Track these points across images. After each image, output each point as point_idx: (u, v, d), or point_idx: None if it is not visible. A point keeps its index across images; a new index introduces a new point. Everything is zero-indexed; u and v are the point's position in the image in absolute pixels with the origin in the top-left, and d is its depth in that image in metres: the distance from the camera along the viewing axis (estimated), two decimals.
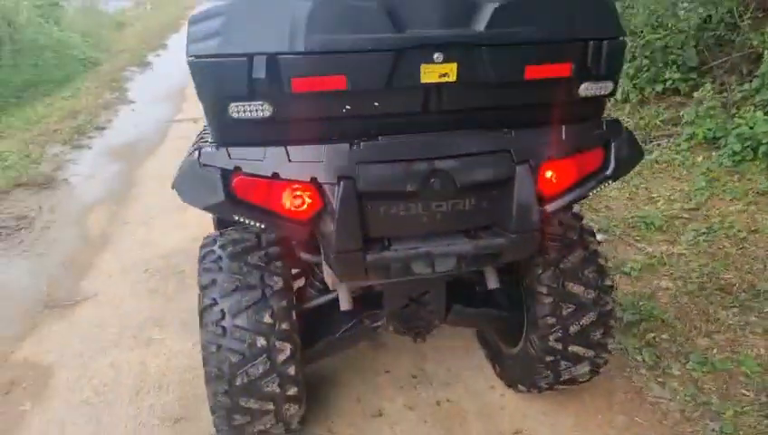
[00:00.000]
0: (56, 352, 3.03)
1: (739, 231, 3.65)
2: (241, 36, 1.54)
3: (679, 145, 4.66)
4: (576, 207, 2.44)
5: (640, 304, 3.10)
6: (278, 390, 2.01)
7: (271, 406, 2.04)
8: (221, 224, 2.64)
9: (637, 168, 4.40)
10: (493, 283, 2.27)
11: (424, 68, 1.60)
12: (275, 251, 2.10)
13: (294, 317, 2.05)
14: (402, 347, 2.92)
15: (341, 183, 1.66)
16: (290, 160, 1.66)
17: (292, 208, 1.72)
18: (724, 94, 4.84)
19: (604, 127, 1.90)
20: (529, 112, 1.79)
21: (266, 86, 1.54)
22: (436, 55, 1.58)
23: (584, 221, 2.39)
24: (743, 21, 4.96)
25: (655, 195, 4.22)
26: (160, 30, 15.08)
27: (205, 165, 1.68)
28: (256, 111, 1.59)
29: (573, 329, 2.20)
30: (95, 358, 2.96)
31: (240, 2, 1.56)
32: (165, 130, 7.09)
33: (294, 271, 2.48)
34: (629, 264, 3.46)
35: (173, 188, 1.74)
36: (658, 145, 4.80)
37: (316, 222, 1.75)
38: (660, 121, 5.00)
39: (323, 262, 1.98)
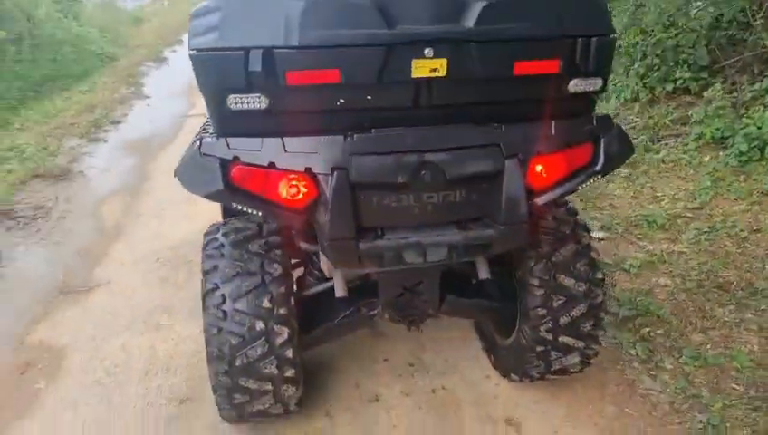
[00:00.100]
0: (70, 336, 3.15)
1: (741, 230, 3.67)
2: (238, 31, 1.62)
3: (687, 145, 4.66)
4: (571, 203, 2.51)
5: (637, 299, 3.14)
6: (276, 371, 2.10)
7: (269, 387, 2.13)
8: (227, 214, 2.73)
9: (643, 166, 4.53)
10: (484, 273, 2.33)
11: (415, 63, 1.66)
12: (275, 240, 2.19)
13: (292, 303, 2.14)
14: (400, 336, 2.99)
15: (335, 174, 1.73)
16: (286, 151, 1.74)
17: (288, 197, 1.79)
18: (735, 94, 4.83)
19: (594, 122, 1.95)
20: (519, 107, 1.85)
21: (263, 79, 1.62)
22: (426, 51, 1.65)
23: (579, 217, 2.44)
24: (755, 20, 4.94)
25: (659, 194, 4.25)
26: (177, 26, 15.26)
27: (205, 154, 1.76)
28: (253, 102, 1.67)
29: (564, 320, 2.26)
30: (107, 341, 3.08)
31: None
32: (179, 125, 7.23)
33: (295, 261, 2.58)
34: (629, 261, 3.50)
35: (175, 175, 1.82)
36: (666, 144, 4.82)
37: (311, 211, 1.83)
38: (669, 121, 5.00)
39: (320, 250, 2.05)
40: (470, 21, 1.65)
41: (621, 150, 2.00)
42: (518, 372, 2.53)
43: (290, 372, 2.13)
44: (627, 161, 4.50)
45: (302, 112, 1.74)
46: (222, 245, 2.18)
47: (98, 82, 10.14)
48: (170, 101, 8.45)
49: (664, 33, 5.22)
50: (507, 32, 1.68)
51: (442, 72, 1.68)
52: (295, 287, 2.44)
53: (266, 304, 2.06)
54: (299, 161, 1.75)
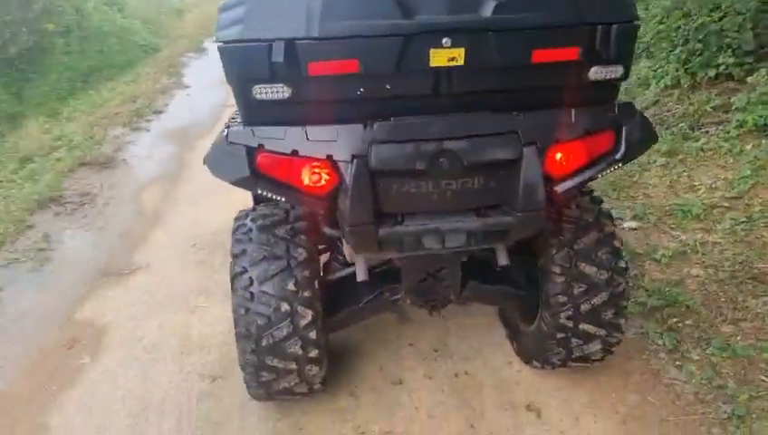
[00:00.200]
0: (111, 315, 3.33)
1: None
2: (262, 23, 1.68)
3: (728, 132, 4.51)
4: (599, 192, 2.49)
5: (666, 290, 3.10)
6: (300, 351, 2.19)
7: (294, 366, 2.22)
8: (257, 201, 2.82)
9: (681, 155, 4.43)
10: (503, 259, 2.35)
11: (433, 52, 1.69)
12: (301, 225, 2.27)
13: (317, 286, 2.21)
14: (427, 322, 3.05)
15: (355, 161, 1.79)
16: (308, 139, 1.80)
17: (311, 184, 1.86)
18: None
19: (616, 110, 1.94)
20: (538, 95, 1.86)
21: (285, 69, 1.68)
22: (444, 40, 1.67)
23: (603, 205, 2.43)
24: None
25: (696, 183, 4.14)
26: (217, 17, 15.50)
27: (232, 142, 1.85)
28: (277, 92, 1.74)
29: (584, 308, 2.27)
30: (145, 321, 3.24)
31: None
32: (217, 115, 7.41)
33: (322, 246, 2.66)
34: (660, 251, 3.44)
35: (204, 163, 1.91)
36: (706, 132, 4.67)
37: (333, 197, 1.89)
38: (711, 108, 4.84)
39: (341, 236, 2.12)
40: (487, 10, 1.67)
41: (643, 138, 1.99)
42: (539, 359, 2.55)
43: (313, 353, 2.22)
44: (664, 150, 4.48)
45: (324, 102, 1.79)
46: (250, 230, 2.27)
47: (141, 72, 10.47)
48: (209, 91, 8.64)
49: (708, 17, 5.04)
50: (525, 20, 1.69)
51: (460, 61, 1.71)
52: (322, 272, 2.53)
53: (291, 286, 2.14)
54: (320, 149, 1.81)
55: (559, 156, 1.91)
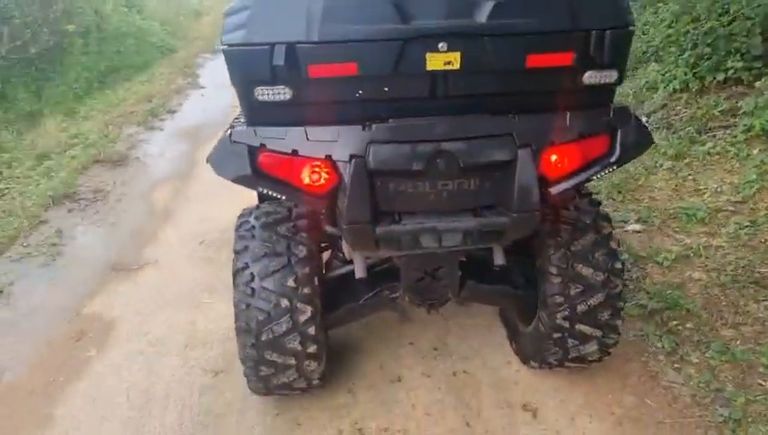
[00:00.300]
0: (119, 309, 3.40)
1: None
2: (264, 27, 1.73)
3: (735, 137, 4.50)
4: (602, 194, 2.51)
5: (668, 292, 3.11)
6: (299, 347, 2.23)
7: (293, 361, 2.27)
8: (262, 199, 2.88)
9: (687, 159, 4.42)
10: (499, 259, 2.38)
11: (429, 56, 1.73)
12: (302, 223, 2.31)
13: (316, 283, 2.26)
14: (428, 322, 3.08)
15: (353, 161, 1.83)
16: (308, 139, 1.85)
17: (311, 183, 1.90)
18: None
19: (611, 114, 1.96)
20: (533, 99, 1.89)
21: (286, 72, 1.73)
22: (440, 45, 1.72)
23: (601, 207, 2.45)
24: None
25: (702, 186, 4.14)
26: None
27: (235, 142, 1.90)
28: (278, 94, 1.79)
29: (581, 308, 2.29)
30: (152, 316, 3.31)
31: None
32: (230, 115, 7.43)
33: (325, 244, 2.70)
34: (663, 254, 3.45)
35: (207, 161, 1.97)
36: (714, 136, 4.66)
37: (332, 196, 1.93)
38: (719, 112, 4.83)
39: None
40: (483, 15, 1.71)
41: (638, 142, 2.01)
42: (537, 359, 2.58)
43: (312, 349, 2.26)
44: (670, 153, 4.48)
45: (324, 103, 1.84)
46: (253, 227, 2.33)
47: (156, 73, 10.61)
48: (223, 91, 8.72)
49: (717, 22, 5.03)
50: (519, 26, 1.73)
51: (456, 65, 1.75)
52: (323, 269, 2.58)
53: (291, 283, 2.19)
54: (320, 149, 1.85)
55: (554, 158, 1.94)
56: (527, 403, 2.56)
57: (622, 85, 5.86)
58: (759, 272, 3.17)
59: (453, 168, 1.87)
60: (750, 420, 2.35)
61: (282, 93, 1.79)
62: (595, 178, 2.03)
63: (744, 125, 4.47)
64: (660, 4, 6.40)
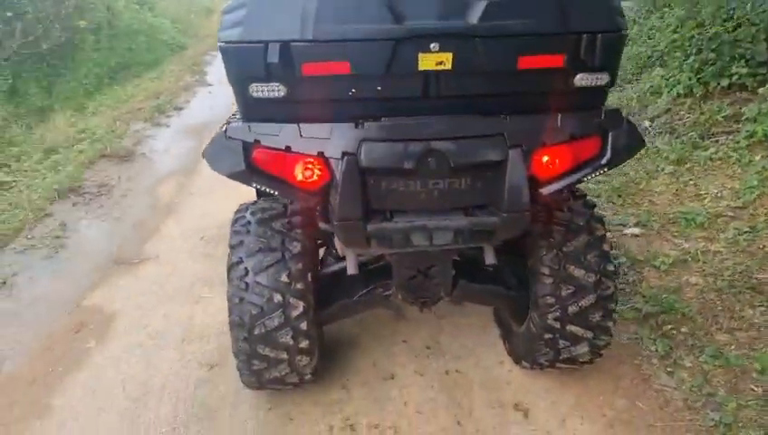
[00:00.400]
0: (120, 302, 3.45)
1: None
2: (260, 25, 1.76)
3: (738, 142, 4.49)
4: (603, 197, 2.52)
5: (663, 296, 3.11)
6: (291, 342, 2.26)
7: (285, 355, 2.29)
8: (260, 196, 2.91)
9: (689, 164, 4.41)
10: (490, 259, 2.39)
11: (421, 57, 1.75)
12: (297, 220, 2.34)
13: (310, 279, 2.28)
14: (422, 320, 3.10)
15: (345, 158, 1.85)
16: (301, 136, 1.87)
17: (304, 180, 1.93)
18: None
19: (602, 116, 1.98)
20: (524, 100, 1.90)
21: (280, 69, 1.76)
22: (432, 45, 1.73)
23: (596, 209, 2.46)
24: None
25: (703, 191, 4.13)
26: None
27: (230, 137, 1.93)
28: (272, 91, 1.81)
29: (572, 309, 2.31)
30: (151, 309, 3.35)
31: None
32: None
33: (321, 241, 2.73)
34: (661, 258, 3.45)
35: (203, 156, 2.00)
36: (716, 141, 4.65)
37: (325, 193, 1.96)
38: (722, 117, 4.82)
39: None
40: (474, 17, 1.73)
41: (630, 144, 2.02)
42: (528, 360, 2.59)
43: (304, 344, 2.29)
44: (672, 158, 4.48)
45: (317, 101, 1.86)
46: (249, 222, 2.36)
47: (166, 70, 10.70)
48: (230, 88, 8.78)
49: (721, 27, 5.02)
50: (511, 27, 1.74)
51: (448, 66, 1.77)
52: (319, 266, 2.60)
53: (284, 278, 2.22)
54: (313, 146, 1.88)
55: (545, 159, 1.95)
56: (519, 403, 2.57)
57: (626, 89, 5.87)
58: (756, 278, 3.17)
59: (443, 167, 1.89)
60: (741, 425, 2.35)
61: (276, 90, 1.81)
62: (586, 179, 2.05)
63: (747, 131, 4.46)
64: (666, 9, 6.39)
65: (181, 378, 2.77)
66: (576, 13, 1.78)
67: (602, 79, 1.88)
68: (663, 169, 4.51)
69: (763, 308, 2.98)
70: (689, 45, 5.32)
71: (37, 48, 9.39)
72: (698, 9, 5.44)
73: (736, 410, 2.42)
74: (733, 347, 2.78)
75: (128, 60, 11.73)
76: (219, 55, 1.85)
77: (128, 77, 10.65)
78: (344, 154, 1.85)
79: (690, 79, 5.19)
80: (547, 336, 2.39)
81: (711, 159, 4.43)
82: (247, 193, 2.85)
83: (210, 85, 9.26)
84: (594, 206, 2.48)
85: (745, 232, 3.55)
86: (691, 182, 4.28)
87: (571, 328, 2.35)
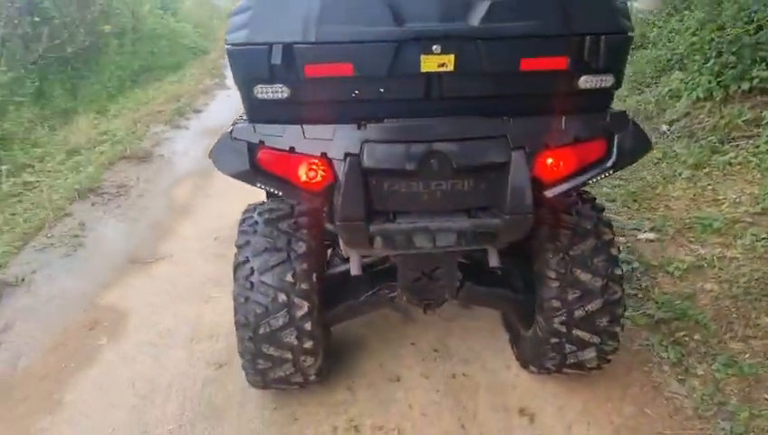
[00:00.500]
0: (133, 300, 3.50)
1: None
2: (265, 27, 1.78)
3: (758, 147, 4.40)
4: (618, 202, 2.48)
5: (677, 302, 3.06)
6: (295, 342, 2.27)
7: (289, 355, 2.30)
8: (269, 197, 2.94)
9: (707, 168, 4.34)
10: (494, 261, 2.37)
11: (424, 58, 1.76)
12: (304, 220, 2.36)
13: (315, 279, 2.29)
14: (430, 323, 3.10)
15: (348, 159, 1.86)
16: (305, 137, 1.89)
17: (307, 180, 1.94)
18: None
19: (608, 118, 1.96)
20: (528, 102, 1.89)
21: (284, 71, 1.78)
22: (434, 47, 1.74)
23: (604, 213, 2.43)
24: None
25: (721, 197, 4.06)
26: None
27: (235, 138, 1.96)
28: (276, 92, 1.83)
29: (578, 314, 2.28)
30: (163, 308, 3.40)
31: None
32: None
33: (327, 242, 2.74)
34: (675, 263, 3.39)
35: (209, 156, 2.03)
36: (736, 146, 4.57)
37: (328, 194, 1.97)
38: (742, 122, 4.73)
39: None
40: (477, 18, 1.73)
41: (636, 147, 2.00)
42: (535, 364, 2.57)
43: (308, 344, 2.30)
44: (690, 162, 4.40)
45: (320, 102, 1.88)
46: (256, 222, 2.38)
47: (187, 73, 10.86)
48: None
49: (742, 30, 4.93)
50: (513, 29, 1.74)
51: (450, 67, 1.77)
52: (325, 266, 2.61)
53: (289, 278, 2.23)
54: (316, 147, 1.89)
55: (549, 161, 1.94)
56: (524, 408, 2.55)
57: (645, 92, 5.79)
58: None
59: (446, 168, 1.88)
60: (753, 434, 2.30)
61: (280, 92, 1.83)
62: (591, 182, 2.03)
63: None
64: (686, 12, 6.30)
65: (189, 376, 2.80)
66: (579, 14, 1.77)
67: (607, 81, 1.86)
68: (681, 174, 4.44)
69: None
70: (709, 48, 5.24)
71: (62, 52, 9.61)
72: (719, 11, 5.36)
73: (749, 419, 2.37)
74: (747, 355, 2.72)
75: (150, 63, 11.94)
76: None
77: (150, 80, 10.83)
78: (347, 155, 1.86)
79: (710, 82, 5.11)
80: (553, 340, 2.36)
81: (730, 164, 4.35)
82: (261, 195, 2.91)
83: (229, 89, 9.36)
84: (603, 209, 2.45)
85: (763, 238, 3.48)
86: (709, 187, 4.20)
87: (578, 332, 2.32)
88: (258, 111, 1.92)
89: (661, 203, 4.17)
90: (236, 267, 2.31)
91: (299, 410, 2.58)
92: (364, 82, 1.82)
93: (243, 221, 2.43)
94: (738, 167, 4.30)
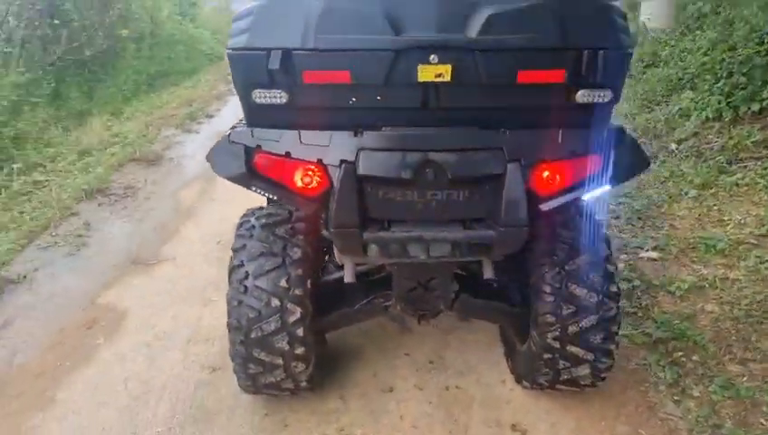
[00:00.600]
0: (133, 301, 3.52)
1: None
2: (265, 33, 1.80)
3: (766, 168, 4.36)
4: (621, 219, 2.47)
5: (676, 323, 3.02)
6: (287, 347, 2.27)
7: (280, 361, 2.30)
8: (270, 202, 2.95)
9: (714, 188, 4.30)
10: (488, 273, 2.37)
11: (421, 68, 1.76)
12: (300, 226, 2.36)
13: (309, 285, 2.29)
14: (426, 334, 3.08)
15: (343, 166, 1.87)
16: (301, 143, 1.90)
17: (303, 186, 1.95)
18: None
19: (605, 134, 1.95)
20: (525, 114, 1.89)
21: (282, 76, 1.79)
22: (432, 57, 1.74)
23: (603, 229, 2.42)
24: None
25: (726, 217, 4.02)
26: None
27: (233, 142, 1.97)
28: (274, 97, 1.85)
29: (572, 329, 2.26)
30: (162, 310, 3.41)
31: (265, 4, 1.82)
32: None
33: (325, 249, 2.74)
34: (677, 283, 3.36)
35: (207, 159, 2.05)
36: (744, 167, 4.53)
37: (324, 200, 1.98)
38: (751, 143, 4.69)
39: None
40: (474, 30, 1.73)
41: (633, 164, 2.00)
42: (529, 379, 2.54)
43: (300, 350, 2.29)
44: (697, 182, 4.37)
45: (318, 108, 1.89)
46: (253, 227, 2.39)
47: (202, 78, 11.00)
48: None
49: (753, 51, 4.90)
50: (510, 41, 1.74)
51: (447, 78, 1.77)
52: (320, 273, 2.62)
53: (283, 283, 2.24)
54: (312, 153, 1.90)
55: (546, 174, 1.93)
56: (517, 423, 2.52)
57: (655, 111, 5.77)
58: None
59: (441, 178, 1.88)
60: None
61: (278, 97, 1.85)
62: (586, 197, 2.02)
63: None
64: (699, 32, 6.28)
65: (183, 379, 2.80)
66: (577, 28, 1.77)
67: (605, 96, 1.86)
68: (687, 193, 4.40)
69: None
70: (720, 69, 5.21)
71: (80, 55, 9.77)
72: (730, 32, 5.34)
73: None
74: (745, 378, 2.67)
75: (167, 68, 12.10)
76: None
77: (165, 85, 10.98)
78: (342, 162, 1.87)
79: (720, 103, 5.08)
80: (546, 356, 2.34)
81: (737, 185, 4.31)
82: (265, 200, 2.93)
83: None
84: (601, 226, 2.44)
85: (767, 261, 3.43)
86: (715, 207, 4.16)
87: (571, 349, 2.29)
88: (256, 116, 1.94)
89: (666, 222, 4.14)
90: (231, 271, 2.32)
91: (290, 416, 2.57)
92: (361, 90, 1.83)
93: (240, 225, 2.44)
94: (745, 188, 4.26)
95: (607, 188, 1.99)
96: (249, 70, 1.84)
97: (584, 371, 2.36)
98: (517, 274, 2.51)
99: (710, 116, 5.12)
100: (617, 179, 1.98)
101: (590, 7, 1.83)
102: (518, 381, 2.69)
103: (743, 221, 3.89)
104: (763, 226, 3.76)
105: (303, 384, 2.45)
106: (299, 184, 1.96)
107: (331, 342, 2.80)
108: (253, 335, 2.25)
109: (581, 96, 1.84)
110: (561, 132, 1.90)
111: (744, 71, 4.90)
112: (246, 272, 2.27)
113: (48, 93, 8.64)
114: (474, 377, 2.81)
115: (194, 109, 8.33)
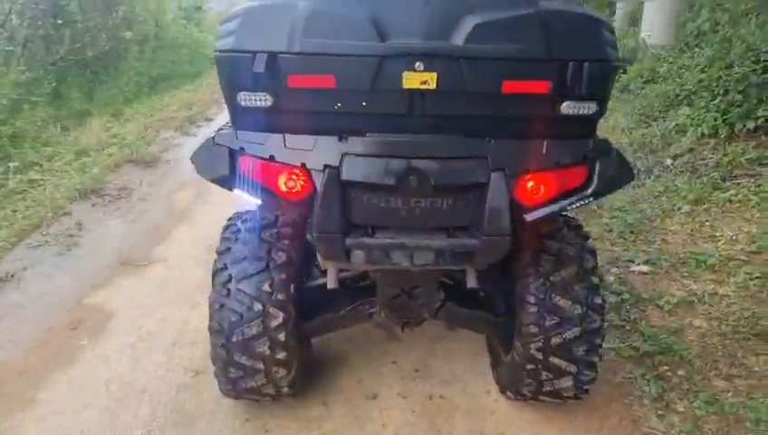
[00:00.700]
0: (120, 302, 3.51)
1: None
2: (251, 36, 1.80)
3: (760, 186, 4.36)
4: (614, 233, 2.45)
5: (663, 337, 3.01)
6: (268, 352, 2.26)
7: (261, 366, 2.29)
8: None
9: (707, 204, 4.30)
10: (471, 282, 2.35)
11: (406, 75, 1.76)
12: (286, 231, 2.36)
13: (292, 290, 2.29)
14: (413, 343, 3.07)
15: (326, 171, 1.87)
16: (285, 146, 1.90)
17: (286, 190, 1.94)
18: None
19: (590, 145, 1.95)
20: (509, 124, 1.89)
21: (267, 80, 1.79)
22: (417, 64, 1.74)
23: (588, 241, 2.41)
24: None
25: (718, 233, 4.01)
26: None
27: (218, 144, 1.98)
28: (259, 100, 1.85)
29: (555, 341, 2.25)
30: (149, 311, 3.40)
31: (252, 7, 1.83)
32: None
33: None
34: (666, 297, 3.35)
35: (190, 160, 2.05)
36: (737, 184, 4.53)
37: (307, 205, 1.97)
38: (746, 160, 4.69)
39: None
40: (460, 38, 1.73)
41: (618, 176, 1.99)
42: (512, 390, 2.53)
43: (281, 355, 2.28)
44: (690, 198, 4.37)
45: (302, 113, 1.89)
46: (239, 230, 2.39)
47: (204, 82, 11.04)
48: None
49: (750, 69, 4.92)
50: (496, 51, 1.74)
51: (432, 85, 1.77)
52: (305, 278, 2.61)
53: (267, 287, 2.23)
54: (296, 157, 1.90)
55: (530, 185, 1.93)
56: (500, 433, 2.51)
57: (652, 126, 5.77)
58: (762, 325, 3.04)
59: (425, 186, 1.88)
60: None
61: (262, 100, 1.85)
62: (569, 208, 2.01)
63: None
64: (697, 49, 6.31)
65: (166, 382, 2.79)
66: (563, 40, 1.77)
67: (590, 108, 1.85)
68: (680, 209, 4.40)
69: (766, 356, 2.85)
70: (717, 86, 5.22)
71: (82, 55, 9.81)
72: (728, 49, 5.35)
73: None
74: (729, 394, 2.66)
75: (170, 71, 12.15)
76: None
77: (167, 88, 11.02)
78: (326, 167, 1.87)
79: (716, 119, 5.09)
80: (529, 367, 2.33)
81: (730, 201, 4.31)
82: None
83: None
84: (588, 237, 2.44)
85: (757, 277, 3.42)
86: (707, 223, 4.16)
87: (554, 360, 2.28)
88: (241, 119, 1.94)
89: (658, 236, 4.13)
90: (215, 274, 2.32)
91: (271, 422, 2.55)
92: (346, 95, 1.82)
93: (226, 228, 2.45)
94: (738, 204, 4.26)
95: (591, 199, 1.98)
96: (234, 72, 1.84)
97: (567, 382, 2.35)
98: (502, 283, 2.51)
99: (706, 132, 5.13)
100: (600, 191, 1.97)
101: (577, 19, 1.83)
102: (502, 391, 2.67)
103: (734, 237, 3.89)
104: (754, 242, 3.75)
105: (285, 390, 2.43)
106: (282, 188, 1.95)
107: (316, 347, 2.79)
108: (234, 339, 2.24)
109: (566, 107, 1.84)
110: (546, 143, 1.89)
111: (740, 88, 4.92)
112: (230, 275, 2.27)
113: (48, 93, 8.66)
114: (459, 386, 2.79)
115: (194, 112, 8.36)
